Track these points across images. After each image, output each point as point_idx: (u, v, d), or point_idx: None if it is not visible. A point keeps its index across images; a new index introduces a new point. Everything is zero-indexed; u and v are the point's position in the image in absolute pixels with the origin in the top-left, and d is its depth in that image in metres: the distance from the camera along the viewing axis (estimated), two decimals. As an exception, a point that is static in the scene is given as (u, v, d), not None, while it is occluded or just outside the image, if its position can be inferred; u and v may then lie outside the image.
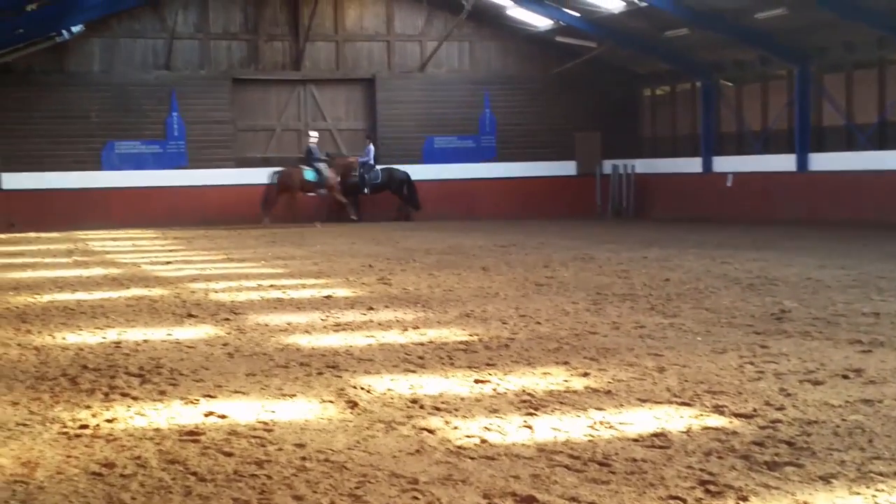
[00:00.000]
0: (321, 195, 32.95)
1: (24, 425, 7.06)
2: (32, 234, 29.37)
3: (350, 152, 35.47)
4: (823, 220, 28.44)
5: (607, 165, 36.70)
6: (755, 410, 7.11)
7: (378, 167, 34.24)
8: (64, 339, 10.78)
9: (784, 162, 31.14)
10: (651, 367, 8.69)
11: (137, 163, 33.89)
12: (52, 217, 32.10)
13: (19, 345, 10.43)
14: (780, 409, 7.15)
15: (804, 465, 5.84)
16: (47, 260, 21.08)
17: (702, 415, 7.03)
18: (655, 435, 6.54)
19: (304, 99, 35.77)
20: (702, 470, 5.81)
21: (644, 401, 7.48)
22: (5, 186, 32.54)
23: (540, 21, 35.41)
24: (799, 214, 29.43)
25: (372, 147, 34.38)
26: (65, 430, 6.91)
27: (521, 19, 35.83)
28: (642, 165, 36.25)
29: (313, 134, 33.82)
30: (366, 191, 34.04)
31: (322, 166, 32.70)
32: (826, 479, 5.57)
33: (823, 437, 6.42)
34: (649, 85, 37.75)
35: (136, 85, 33.99)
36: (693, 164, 34.70)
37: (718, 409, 7.15)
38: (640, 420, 6.91)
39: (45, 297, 14.48)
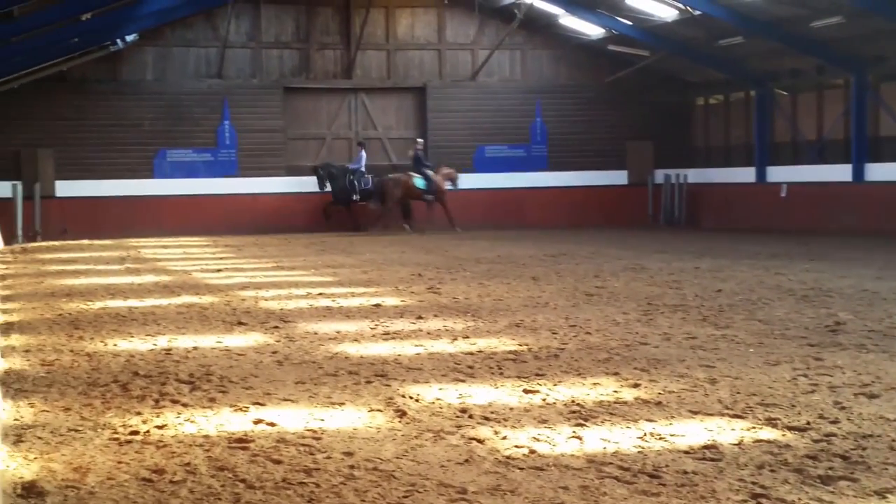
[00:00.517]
0: (428, 201, 33.22)
1: (76, 431, 7.11)
2: (85, 242, 29.68)
3: (399, 161, 35.55)
4: (879, 231, 28.05)
5: (659, 175, 36.48)
6: (809, 423, 7.01)
7: (368, 175, 33.84)
8: (115, 345, 10.86)
9: (840, 172, 30.78)
10: (703, 378, 8.60)
11: (189, 171, 34.14)
12: (105, 224, 32.39)
13: (72, 351, 10.53)
14: (835, 422, 7.05)
15: (858, 479, 5.74)
16: (100, 267, 21.28)
17: (754, 427, 6.94)
18: (707, 447, 6.46)
19: (354, 107, 35.87)
20: (754, 483, 5.73)
21: (695, 412, 7.40)
22: (59, 194, 32.89)
23: (592, 30, 35.29)
24: (854, 225, 29.05)
25: (364, 154, 34.09)
26: (116, 435, 6.95)
27: (574, 28, 35.73)
28: (695, 175, 35.99)
29: (419, 141, 34.34)
30: (355, 198, 33.58)
31: (431, 173, 33.11)
32: (881, 494, 5.48)
33: (878, 451, 6.31)
34: (702, 94, 37.49)
35: (188, 93, 34.27)
36: (746, 174, 34.39)
37: (771, 422, 7.06)
38: (692, 432, 6.84)
39: (98, 304, 14.61)
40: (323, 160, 34.76)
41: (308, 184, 34.16)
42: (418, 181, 33.00)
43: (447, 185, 33.36)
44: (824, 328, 11.29)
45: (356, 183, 33.49)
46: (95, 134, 33.16)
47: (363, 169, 33.87)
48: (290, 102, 35.20)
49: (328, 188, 33.49)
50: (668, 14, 31.38)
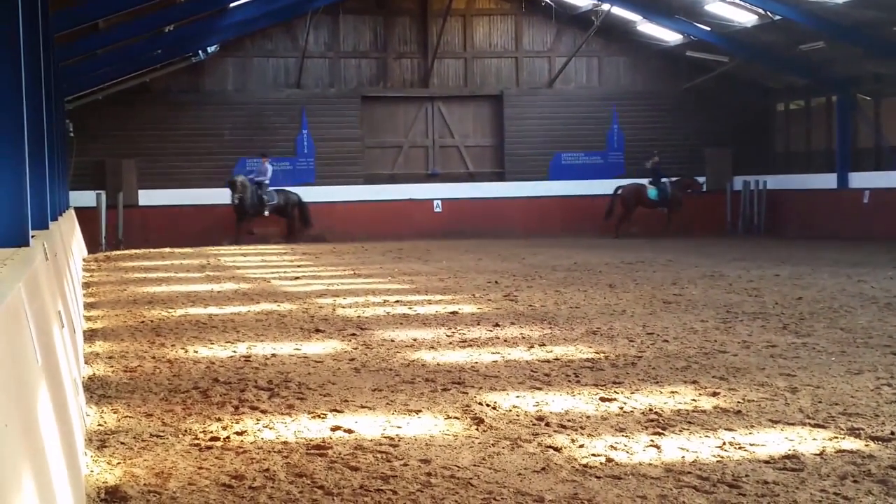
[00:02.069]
0: (662, 212, 33.97)
1: (158, 436, 7.21)
2: (166, 250, 30.11)
3: (476, 169, 35.62)
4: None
5: (738, 181, 36.08)
6: (893, 434, 6.89)
7: (272, 188, 32.77)
8: (196, 352, 11.00)
9: (925, 178, 30.23)
10: (783, 387, 8.49)
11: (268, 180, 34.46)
12: (186, 232, 32.81)
13: (154, 358, 10.68)
14: (920, 432, 6.92)
15: (945, 491, 5.63)
16: (180, 275, 21.57)
17: (836, 437, 6.83)
18: (787, 457, 6.39)
19: (431, 115, 36.00)
20: (836, 494, 5.65)
21: (776, 422, 7.31)
22: (142, 203, 33.41)
23: (670, 36, 35.06)
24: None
25: (269, 167, 32.90)
26: (196, 441, 7.05)
27: (651, 34, 35.52)
28: (774, 181, 35.53)
29: (656, 155, 34.39)
30: (266, 213, 32.60)
31: (667, 184, 33.79)
32: (968, 507, 5.37)
33: (965, 462, 6.18)
34: (783, 99, 37.04)
35: (268, 103, 34.67)
36: (828, 180, 33.88)
37: (854, 432, 6.95)
38: (772, 441, 6.76)
39: (179, 312, 14.80)
40: (399, 168, 34.96)
41: (386, 192, 34.38)
42: (651, 192, 33.82)
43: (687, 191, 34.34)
44: (909, 337, 11.09)
45: (264, 197, 32.45)
46: (177, 144, 33.67)
47: (268, 182, 32.75)
48: (367, 111, 35.43)
49: (237, 201, 32.08)
50: (747, 19, 31.06)
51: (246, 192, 32.22)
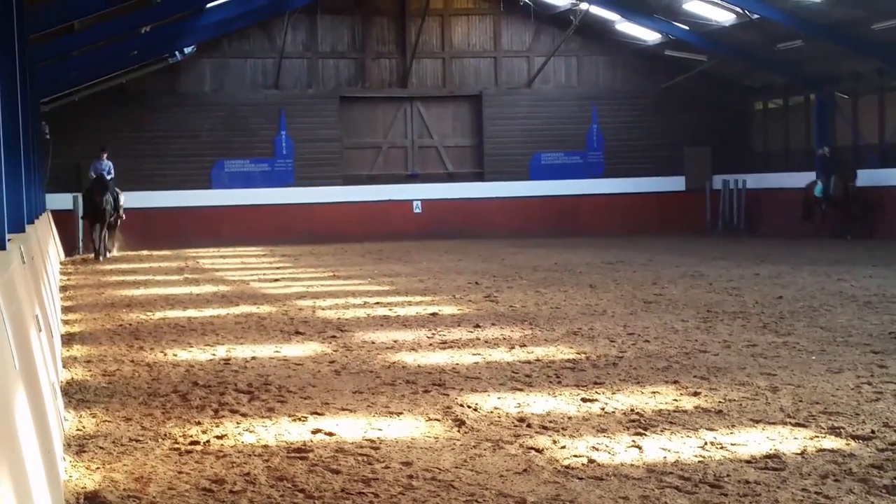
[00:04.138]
0: (824, 211, 31.02)
1: (137, 441, 7.17)
2: (144, 252, 29.98)
3: (455, 170, 35.62)
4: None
5: (717, 180, 36.18)
6: (873, 432, 6.90)
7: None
8: (175, 355, 10.95)
9: (902, 175, 30.32)
10: (764, 386, 8.50)
11: (246, 181, 34.41)
12: (163, 235, 32.69)
13: (132, 361, 10.62)
14: (900, 431, 6.93)
15: (926, 490, 5.64)
16: (159, 278, 21.49)
17: (817, 436, 6.84)
18: (769, 456, 6.39)
19: (410, 116, 35.97)
20: (818, 493, 5.65)
21: (757, 421, 7.31)
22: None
23: (649, 35, 35.12)
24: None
25: (108, 163, 28.86)
26: (176, 445, 7.00)
27: (630, 33, 35.57)
28: (754, 180, 35.63)
29: (825, 147, 31.89)
30: (123, 216, 29.11)
31: (834, 179, 30.50)
32: (950, 506, 5.37)
33: (946, 460, 6.19)
34: (761, 98, 37.16)
35: (245, 104, 34.56)
36: (807, 179, 33.95)
37: (835, 431, 6.96)
38: (753, 441, 6.76)
39: (157, 315, 14.74)
40: (378, 168, 34.93)
41: (364, 193, 34.40)
42: (817, 189, 31.04)
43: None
44: (888, 335, 11.13)
45: (117, 199, 28.53)
46: (154, 145, 33.52)
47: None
48: (346, 112, 35.37)
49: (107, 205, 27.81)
50: (725, 18, 31.14)
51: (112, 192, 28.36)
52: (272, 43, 34.54)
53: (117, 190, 28.80)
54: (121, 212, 28.81)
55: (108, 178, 28.34)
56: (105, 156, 28.87)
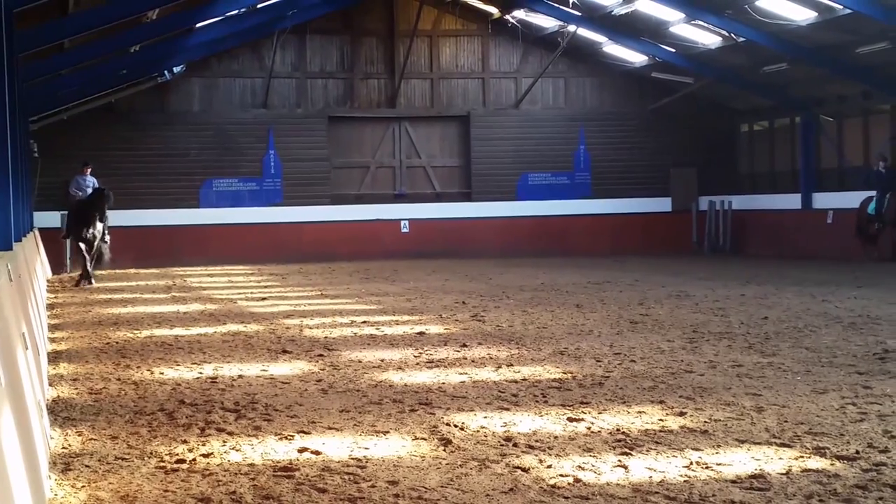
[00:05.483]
0: (878, 231, 28.49)
1: (123, 459, 7.16)
2: (132, 271, 29.92)
3: (443, 190, 35.67)
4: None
5: (703, 202, 36.31)
6: (858, 453, 6.93)
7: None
8: (162, 374, 10.94)
9: (886, 198, 30.41)
10: (749, 406, 8.53)
11: (234, 200, 34.41)
12: (151, 253, 32.63)
13: (119, 379, 10.61)
14: (884, 451, 6.97)
15: (910, 510, 5.67)
16: (146, 296, 21.45)
17: (802, 456, 6.87)
18: (754, 476, 6.41)
19: (398, 136, 36.04)
20: (802, 513, 5.67)
21: (742, 441, 7.34)
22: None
23: (635, 57, 35.29)
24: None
25: (92, 179, 26.60)
26: (162, 464, 7.00)
27: (617, 55, 35.74)
28: (739, 202, 35.78)
29: (884, 157, 29.04)
30: (108, 238, 26.28)
31: (888, 197, 27.70)
32: (933, 525, 5.40)
33: (930, 481, 6.22)
34: (747, 120, 37.33)
35: (234, 123, 34.58)
36: (792, 201, 34.13)
37: (819, 451, 6.99)
38: (739, 461, 6.79)
39: (144, 333, 14.72)
40: (366, 188, 34.95)
41: (353, 212, 34.45)
42: (871, 206, 28.13)
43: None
44: (873, 356, 11.17)
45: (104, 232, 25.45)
46: (143, 164, 33.48)
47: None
48: (334, 131, 35.41)
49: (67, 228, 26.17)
50: (711, 41, 31.33)
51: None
52: (261, 63, 34.60)
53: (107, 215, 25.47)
54: (106, 238, 25.82)
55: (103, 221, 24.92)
56: (89, 171, 26.71)
